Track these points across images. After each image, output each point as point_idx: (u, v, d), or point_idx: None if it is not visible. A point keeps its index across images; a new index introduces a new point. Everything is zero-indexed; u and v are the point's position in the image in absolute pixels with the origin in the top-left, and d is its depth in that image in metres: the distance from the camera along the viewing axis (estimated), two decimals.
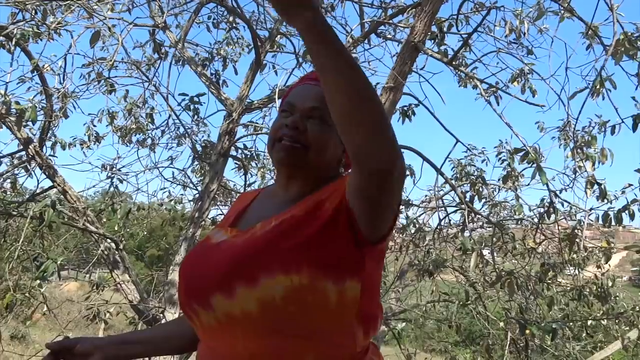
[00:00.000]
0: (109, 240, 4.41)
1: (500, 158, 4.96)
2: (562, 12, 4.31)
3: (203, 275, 1.09)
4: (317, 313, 1.02)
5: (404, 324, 5.52)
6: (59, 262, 3.76)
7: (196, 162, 5.65)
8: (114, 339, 1.34)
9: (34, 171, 4.47)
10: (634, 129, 3.47)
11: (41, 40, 4.15)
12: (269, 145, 1.22)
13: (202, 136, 5.66)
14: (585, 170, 4.14)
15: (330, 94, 0.93)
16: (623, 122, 3.72)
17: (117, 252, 4.45)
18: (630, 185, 3.93)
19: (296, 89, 1.26)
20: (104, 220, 5.15)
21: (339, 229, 1.06)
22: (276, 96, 4.39)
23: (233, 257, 1.07)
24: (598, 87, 3.73)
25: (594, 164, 4.03)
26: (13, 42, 3.92)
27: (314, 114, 1.18)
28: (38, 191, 4.60)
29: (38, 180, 4.55)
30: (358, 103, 0.90)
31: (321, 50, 0.90)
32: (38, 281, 3.97)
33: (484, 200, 5.40)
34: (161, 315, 4.26)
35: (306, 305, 1.01)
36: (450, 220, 5.64)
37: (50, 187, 4.53)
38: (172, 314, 4.18)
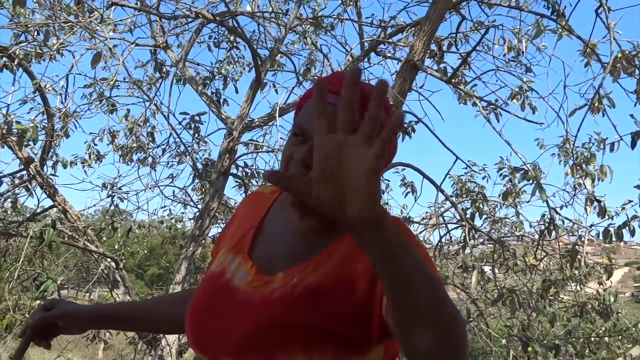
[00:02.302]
0: (109, 259, 4.41)
1: (501, 174, 4.97)
2: (560, 30, 4.35)
3: (215, 334, 1.00)
4: None
5: None
6: (58, 282, 3.75)
7: (197, 181, 5.66)
8: (98, 312, 1.28)
9: (34, 190, 4.48)
10: (633, 146, 3.49)
11: (43, 60, 4.19)
12: None
13: (203, 154, 5.68)
14: (585, 187, 4.15)
15: (399, 301, 0.73)
16: (622, 139, 3.74)
17: (117, 271, 4.44)
18: (630, 201, 3.94)
19: (308, 106, 1.06)
20: (104, 239, 5.14)
21: (374, 316, 0.94)
22: (277, 114, 4.42)
23: (249, 327, 0.96)
24: (597, 104, 3.76)
25: (593, 181, 4.04)
26: (15, 63, 3.95)
27: None
28: (38, 211, 4.61)
29: (39, 200, 4.56)
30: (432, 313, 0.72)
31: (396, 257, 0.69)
32: (38, 301, 3.95)
33: (484, 217, 5.40)
34: (160, 335, 4.23)
35: None
36: (451, 237, 5.64)
37: (51, 207, 4.53)
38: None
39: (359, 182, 0.63)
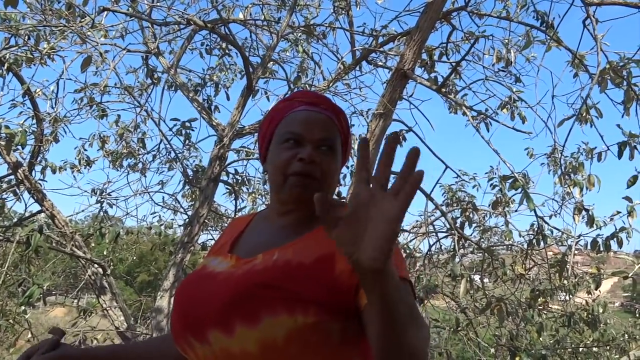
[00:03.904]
0: (96, 265, 4.37)
1: (491, 184, 4.99)
2: (549, 41, 4.39)
3: (200, 307, 1.04)
4: (319, 351, 0.98)
5: None
6: (45, 287, 3.71)
7: (187, 187, 5.64)
8: (90, 353, 1.30)
9: (22, 195, 4.45)
10: (619, 156, 3.52)
11: (34, 65, 4.17)
12: (279, 179, 1.14)
13: (193, 161, 5.67)
14: (574, 197, 4.17)
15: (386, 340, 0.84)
16: (609, 149, 3.77)
17: (104, 278, 4.41)
18: (618, 212, 3.96)
19: (296, 115, 1.18)
20: (93, 245, 5.10)
21: (350, 294, 1.02)
22: None
23: (233, 292, 1.01)
24: (584, 114, 3.79)
25: (581, 191, 4.07)
26: (5, 67, 3.93)
27: (324, 144, 1.15)
28: (26, 215, 4.57)
29: (26, 205, 4.53)
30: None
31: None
32: (23, 307, 3.92)
33: (474, 226, 5.41)
34: None
35: (309, 345, 0.97)
36: (441, 245, 5.64)
37: (39, 212, 4.50)
38: None
39: (382, 229, 0.72)
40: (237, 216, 1.47)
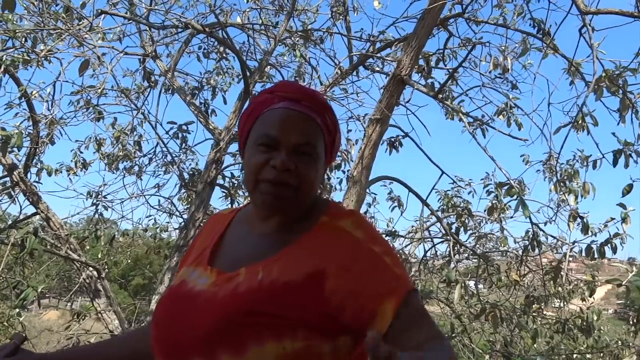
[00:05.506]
0: (90, 269, 4.36)
1: (487, 190, 5.00)
2: (546, 48, 4.42)
3: (182, 334, 0.98)
4: None
5: None
6: (39, 290, 3.70)
7: (183, 190, 5.63)
8: (65, 356, 1.25)
9: (17, 197, 4.43)
10: (614, 164, 3.54)
11: (31, 67, 4.17)
12: (250, 184, 1.05)
13: (190, 164, 5.65)
14: (568, 204, 4.19)
15: None
16: (604, 157, 3.79)
17: (99, 281, 4.39)
18: (612, 219, 3.98)
19: (273, 114, 1.07)
20: (87, 247, 5.08)
21: (343, 312, 0.96)
22: None
23: (217, 320, 0.94)
24: (580, 122, 3.81)
25: (576, 198, 4.08)
26: (2, 69, 3.92)
27: (302, 150, 1.04)
28: (21, 218, 4.56)
29: (21, 207, 4.51)
30: None
31: None
32: (17, 310, 3.90)
33: (469, 232, 5.42)
34: None
35: None
36: (436, 251, 5.65)
37: (34, 214, 4.49)
38: None
39: None
40: (218, 212, 1.33)
